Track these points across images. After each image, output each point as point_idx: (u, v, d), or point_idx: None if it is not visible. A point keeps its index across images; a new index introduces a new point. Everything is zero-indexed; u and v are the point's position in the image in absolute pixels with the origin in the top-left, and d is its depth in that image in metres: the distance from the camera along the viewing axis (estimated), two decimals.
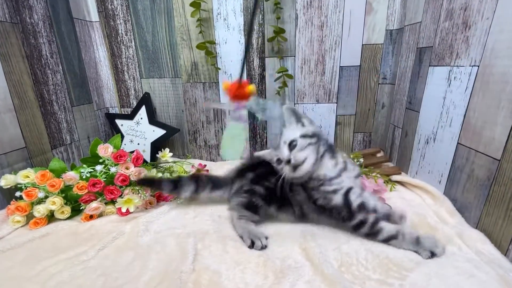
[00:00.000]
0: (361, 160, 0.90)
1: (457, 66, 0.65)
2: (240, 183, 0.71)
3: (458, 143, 0.65)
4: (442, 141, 0.70)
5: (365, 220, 0.57)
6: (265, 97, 1.04)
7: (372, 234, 0.57)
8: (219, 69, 1.00)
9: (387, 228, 0.56)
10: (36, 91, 0.79)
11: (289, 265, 0.53)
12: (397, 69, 0.93)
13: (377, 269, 0.50)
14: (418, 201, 0.73)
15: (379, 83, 0.99)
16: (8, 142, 0.72)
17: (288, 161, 0.57)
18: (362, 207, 0.58)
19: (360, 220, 0.57)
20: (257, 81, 1.02)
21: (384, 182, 0.79)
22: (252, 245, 0.58)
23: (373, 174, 0.77)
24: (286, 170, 0.58)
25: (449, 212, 0.65)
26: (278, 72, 0.96)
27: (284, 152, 0.59)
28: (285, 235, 0.62)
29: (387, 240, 0.56)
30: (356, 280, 0.48)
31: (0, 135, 0.70)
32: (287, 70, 0.97)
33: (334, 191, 0.58)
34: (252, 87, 0.50)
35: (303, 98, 1.03)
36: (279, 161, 0.60)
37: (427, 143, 0.76)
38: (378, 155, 1.02)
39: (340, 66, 0.98)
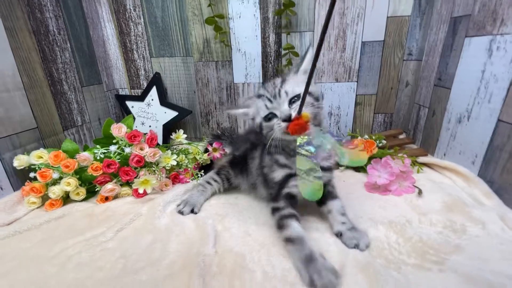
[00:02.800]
0: (384, 141, 0.86)
1: (501, 34, 0.58)
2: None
3: (498, 119, 0.59)
4: (478, 118, 0.65)
5: (281, 208, 0.52)
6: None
7: (278, 226, 0.51)
8: (228, 45, 0.95)
9: (295, 229, 0.49)
10: (45, 69, 0.76)
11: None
12: (425, 44, 0.86)
13: (411, 253, 0.47)
14: (448, 183, 0.69)
15: (403, 60, 0.93)
16: (19, 122, 0.70)
17: (288, 119, 0.46)
18: (291, 197, 0.53)
19: (278, 206, 0.53)
20: (272, 58, 0.96)
21: (410, 164, 0.75)
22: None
23: (400, 155, 0.73)
24: (278, 129, 0.48)
25: (485, 194, 0.60)
26: (284, 49, 0.90)
27: (285, 107, 0.48)
28: (308, 219, 0.59)
29: (287, 240, 0.49)
30: (391, 265, 0.45)
31: (10, 114, 0.67)
32: (293, 48, 0.90)
33: (283, 166, 0.53)
34: (305, 114, 0.45)
35: (321, 76, 0.97)
36: (269, 117, 0.50)
37: (460, 121, 0.71)
38: (400, 136, 0.97)
39: (362, 42, 0.91)
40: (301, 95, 0.43)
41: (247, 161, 0.67)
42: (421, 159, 0.79)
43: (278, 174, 0.53)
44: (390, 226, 0.54)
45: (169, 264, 0.48)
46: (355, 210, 0.60)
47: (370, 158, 0.78)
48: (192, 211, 0.64)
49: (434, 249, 0.47)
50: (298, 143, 0.45)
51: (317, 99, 0.51)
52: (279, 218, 0.51)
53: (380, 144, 0.84)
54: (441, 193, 0.63)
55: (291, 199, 0.53)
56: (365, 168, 0.77)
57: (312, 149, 0.44)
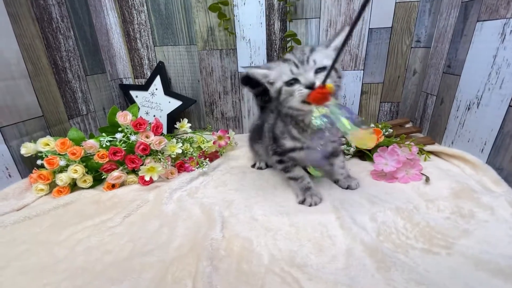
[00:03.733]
0: (390, 130, 0.85)
1: None
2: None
3: (509, 105, 0.58)
4: (488, 105, 0.64)
5: (285, 161, 0.63)
6: None
7: (285, 171, 0.64)
8: (233, 33, 0.93)
9: (296, 171, 0.63)
10: (49, 57, 0.76)
11: (322, 233, 0.50)
12: (434, 30, 0.84)
13: (419, 238, 0.47)
14: (456, 170, 0.68)
15: (411, 47, 0.91)
16: (25, 110, 0.70)
17: (311, 86, 0.47)
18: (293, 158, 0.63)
19: (283, 160, 0.63)
20: (277, 46, 0.95)
21: (417, 152, 0.74)
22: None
23: (407, 143, 0.72)
24: (299, 95, 0.49)
25: (494, 181, 0.60)
26: (286, 37, 0.88)
27: (310, 74, 0.48)
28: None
29: (290, 178, 0.64)
30: (399, 249, 0.45)
31: (16, 102, 0.67)
32: (295, 35, 0.87)
33: (294, 138, 0.59)
34: (330, 85, 0.45)
35: None
36: (291, 82, 0.50)
37: (469, 109, 0.70)
38: (407, 125, 0.96)
39: (369, 28, 0.89)
40: (328, 67, 0.44)
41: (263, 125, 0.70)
42: (428, 147, 0.78)
43: (289, 143, 0.60)
44: (397, 212, 0.54)
45: (177, 247, 0.48)
46: (361, 196, 0.60)
47: (376, 146, 0.77)
48: (266, 166, 0.78)
49: (442, 233, 0.47)
50: (314, 115, 0.45)
51: (339, 77, 0.52)
52: (285, 167, 0.64)
53: (387, 133, 0.83)
54: (449, 180, 0.63)
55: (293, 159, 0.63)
56: (371, 157, 0.77)
57: (327, 121, 0.45)
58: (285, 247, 0.47)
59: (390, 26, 0.88)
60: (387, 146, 0.71)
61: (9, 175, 0.67)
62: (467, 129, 0.71)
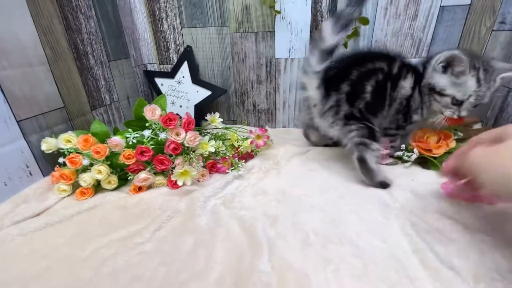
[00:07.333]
0: (460, 133, 0.71)
1: None
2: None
3: None
4: None
5: None
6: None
7: None
8: (279, 12, 0.80)
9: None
10: (69, 40, 0.67)
11: (397, 271, 0.40)
12: None
13: None
14: None
15: (493, 30, 0.74)
16: (45, 101, 0.63)
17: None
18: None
19: None
20: None
21: None
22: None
23: None
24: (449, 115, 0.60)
25: None
26: None
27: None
28: (375, 221, 0.48)
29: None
30: None
31: (35, 92, 0.60)
32: (361, 13, 0.73)
33: None
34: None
35: None
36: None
37: None
38: (475, 126, 0.81)
39: (440, 6, 0.73)
40: None
41: None
42: None
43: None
44: (495, 246, 0.42)
45: (218, 278, 0.40)
46: (437, 219, 0.49)
47: (446, 153, 0.64)
48: None
49: None
50: None
51: None
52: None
53: (456, 137, 0.69)
54: None
55: None
56: (437, 165, 0.64)
57: None
58: None
59: (469, 3, 0.71)
60: None
61: (30, 174, 0.61)
62: None
